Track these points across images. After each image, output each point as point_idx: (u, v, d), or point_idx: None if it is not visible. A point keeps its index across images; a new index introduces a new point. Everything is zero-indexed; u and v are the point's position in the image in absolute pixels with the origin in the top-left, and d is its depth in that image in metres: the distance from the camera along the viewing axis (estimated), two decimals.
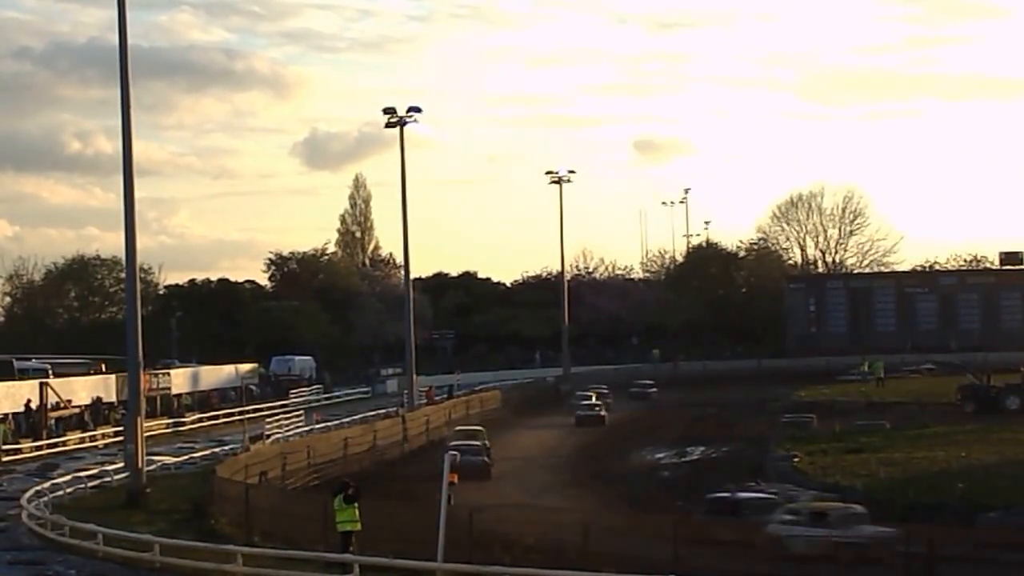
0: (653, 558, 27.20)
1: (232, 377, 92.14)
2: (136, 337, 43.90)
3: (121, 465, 46.58)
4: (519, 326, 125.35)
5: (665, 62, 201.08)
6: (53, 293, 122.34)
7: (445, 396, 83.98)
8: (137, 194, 44.14)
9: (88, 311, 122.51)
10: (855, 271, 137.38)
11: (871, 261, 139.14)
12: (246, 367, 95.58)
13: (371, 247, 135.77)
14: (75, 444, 63.19)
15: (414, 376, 77.75)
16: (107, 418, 69.06)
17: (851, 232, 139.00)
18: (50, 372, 72.02)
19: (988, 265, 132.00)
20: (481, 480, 47.06)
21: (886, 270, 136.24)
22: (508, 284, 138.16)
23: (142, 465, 43.57)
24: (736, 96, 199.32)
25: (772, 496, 37.18)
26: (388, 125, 75.35)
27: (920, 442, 56.19)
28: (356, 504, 29.82)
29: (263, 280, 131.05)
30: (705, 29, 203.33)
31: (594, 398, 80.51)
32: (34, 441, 61.90)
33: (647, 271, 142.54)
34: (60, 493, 43.10)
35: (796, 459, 51.60)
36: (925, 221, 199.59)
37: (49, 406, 65.29)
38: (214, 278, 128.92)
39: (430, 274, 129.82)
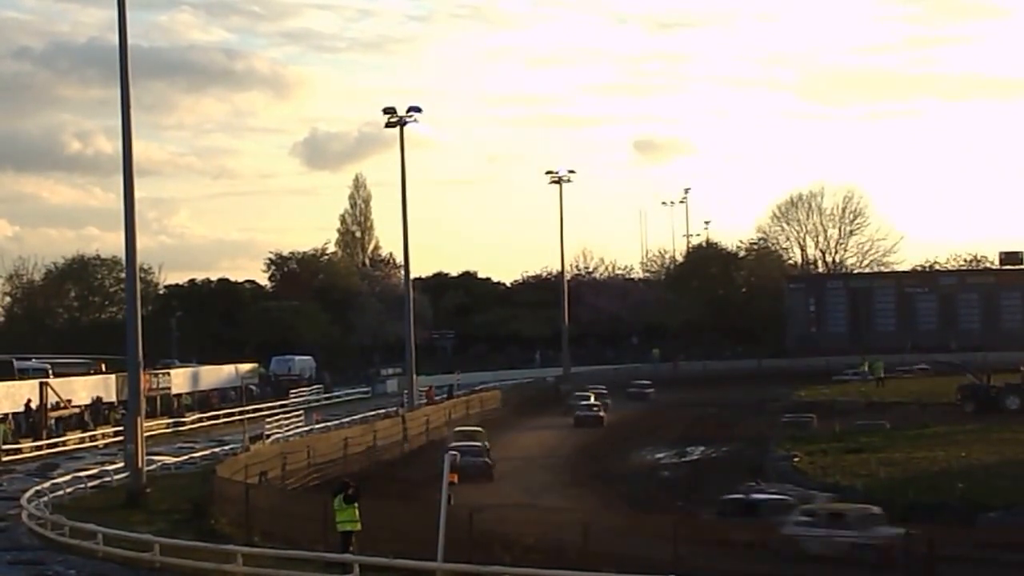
0: (653, 558, 27.20)
1: (232, 377, 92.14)
2: (136, 337, 43.90)
3: (121, 465, 46.58)
4: (519, 326, 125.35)
5: (665, 62, 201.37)
6: (53, 293, 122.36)
7: (445, 396, 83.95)
8: (137, 194, 44.20)
9: (88, 311, 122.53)
10: (855, 271, 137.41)
11: (871, 261, 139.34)
12: (246, 367, 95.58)
13: (371, 247, 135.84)
14: (75, 444, 63.18)
15: (414, 376, 77.75)
16: (107, 418, 69.05)
17: (851, 232, 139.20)
18: (50, 372, 72.01)
19: (988, 265, 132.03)
20: (483, 481, 47.01)
21: (886, 270, 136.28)
22: (508, 284, 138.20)
23: (142, 465, 43.58)
24: (736, 96, 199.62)
25: (787, 497, 36.99)
26: (388, 125, 75.37)
27: (920, 442, 56.19)
28: (356, 504, 29.82)
29: (263, 280, 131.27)
30: (705, 29, 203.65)
31: (592, 398, 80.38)
32: (34, 441, 61.89)
33: (647, 271, 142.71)
34: (60, 493, 43.10)
35: (796, 459, 51.59)
36: (925, 221, 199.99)
37: (49, 406, 65.29)
38: (214, 278, 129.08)
39: (430, 274, 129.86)
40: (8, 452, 58.13)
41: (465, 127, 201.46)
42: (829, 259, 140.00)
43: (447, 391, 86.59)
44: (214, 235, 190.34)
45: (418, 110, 74.90)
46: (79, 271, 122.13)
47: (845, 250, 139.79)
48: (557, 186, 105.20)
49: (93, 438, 65.40)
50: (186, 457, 55.90)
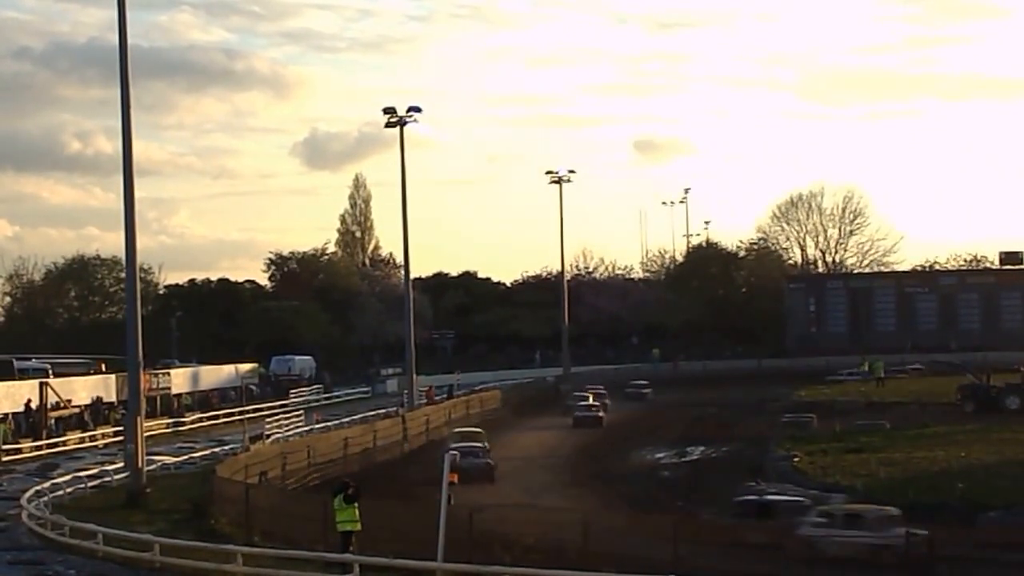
0: (653, 558, 27.20)
1: (232, 377, 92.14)
2: (136, 337, 43.89)
3: (121, 465, 46.57)
4: (519, 326, 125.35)
5: (665, 62, 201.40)
6: (53, 293, 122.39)
7: (445, 396, 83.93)
8: (137, 194, 44.18)
9: (88, 311, 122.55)
10: (855, 271, 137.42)
11: (871, 261, 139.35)
12: (246, 367, 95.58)
13: (371, 247, 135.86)
14: (75, 444, 63.16)
15: (414, 376, 77.75)
16: (107, 418, 69.04)
17: (851, 232, 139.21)
18: (50, 372, 72.02)
19: (988, 265, 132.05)
20: (485, 483, 46.92)
21: (886, 270, 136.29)
22: (508, 284, 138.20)
23: (142, 465, 43.57)
24: (736, 96, 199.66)
25: (802, 498, 36.80)
26: (388, 125, 75.38)
27: (920, 442, 56.20)
28: (356, 504, 29.82)
29: (263, 280, 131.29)
30: (705, 29, 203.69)
31: (591, 399, 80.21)
32: (34, 441, 61.88)
33: (647, 271, 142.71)
34: (60, 493, 43.09)
35: (796, 459, 51.60)
36: (925, 221, 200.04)
37: (49, 406, 65.28)
38: (214, 278, 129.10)
39: (430, 274, 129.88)
40: (8, 452, 58.11)
41: (465, 127, 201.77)
42: (829, 259, 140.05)
43: (447, 391, 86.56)
44: (214, 235, 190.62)
45: (418, 110, 74.93)
46: (79, 271, 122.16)
47: (845, 250, 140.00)
48: (557, 186, 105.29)
49: (93, 438, 65.38)
50: (186, 457, 55.88)
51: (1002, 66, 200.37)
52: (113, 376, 72.69)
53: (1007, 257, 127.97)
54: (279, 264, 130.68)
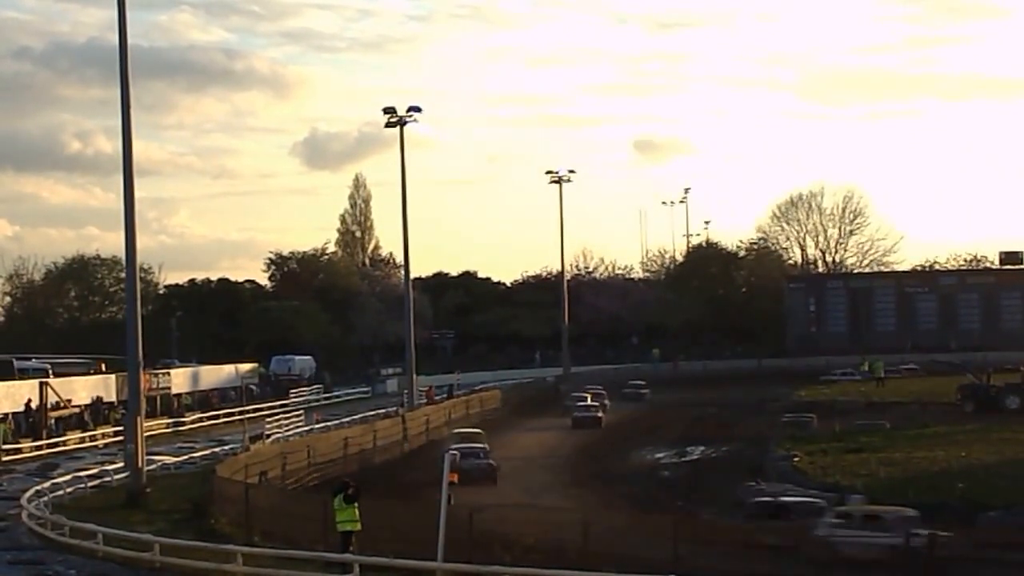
0: (653, 558, 27.19)
1: (232, 377, 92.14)
2: (136, 337, 43.90)
3: (121, 465, 46.58)
4: (519, 326, 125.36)
5: (665, 62, 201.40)
6: (53, 293, 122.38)
7: (445, 396, 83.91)
8: (137, 194, 44.19)
9: (88, 311, 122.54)
10: (855, 271, 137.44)
11: (871, 261, 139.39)
12: (246, 367, 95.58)
13: (371, 247, 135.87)
14: (75, 444, 63.18)
15: (414, 376, 77.76)
16: (107, 418, 69.05)
17: (851, 232, 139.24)
18: (50, 372, 72.02)
19: (988, 265, 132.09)
20: (487, 484, 46.65)
21: (886, 270, 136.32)
22: (508, 284, 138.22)
23: (142, 465, 43.58)
24: (736, 96, 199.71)
25: (817, 499, 36.62)
26: (388, 125, 75.41)
27: (920, 442, 56.19)
28: (356, 504, 29.81)
29: (263, 280, 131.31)
30: (705, 29, 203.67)
31: (589, 399, 79.93)
32: (34, 441, 61.89)
33: (647, 271, 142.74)
34: (60, 493, 43.09)
35: (796, 459, 51.56)
36: (925, 221, 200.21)
37: (49, 406, 65.29)
38: (214, 278, 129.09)
39: (430, 274, 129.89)
40: (8, 452, 58.13)
41: (465, 127, 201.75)
42: (829, 259, 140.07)
43: (447, 391, 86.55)
44: (214, 235, 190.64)
45: (418, 110, 74.97)
46: (79, 271, 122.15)
47: (845, 250, 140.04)
48: (557, 186, 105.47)
49: (93, 438, 65.41)
50: (186, 457, 55.89)
51: (1002, 66, 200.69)
52: (113, 376, 72.69)
53: (1007, 257, 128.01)
54: (279, 264, 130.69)
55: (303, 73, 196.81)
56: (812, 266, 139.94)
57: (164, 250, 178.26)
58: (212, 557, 30.41)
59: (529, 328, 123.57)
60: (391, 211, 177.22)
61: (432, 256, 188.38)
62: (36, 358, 78.71)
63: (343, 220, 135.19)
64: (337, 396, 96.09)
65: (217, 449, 57.16)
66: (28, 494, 41.04)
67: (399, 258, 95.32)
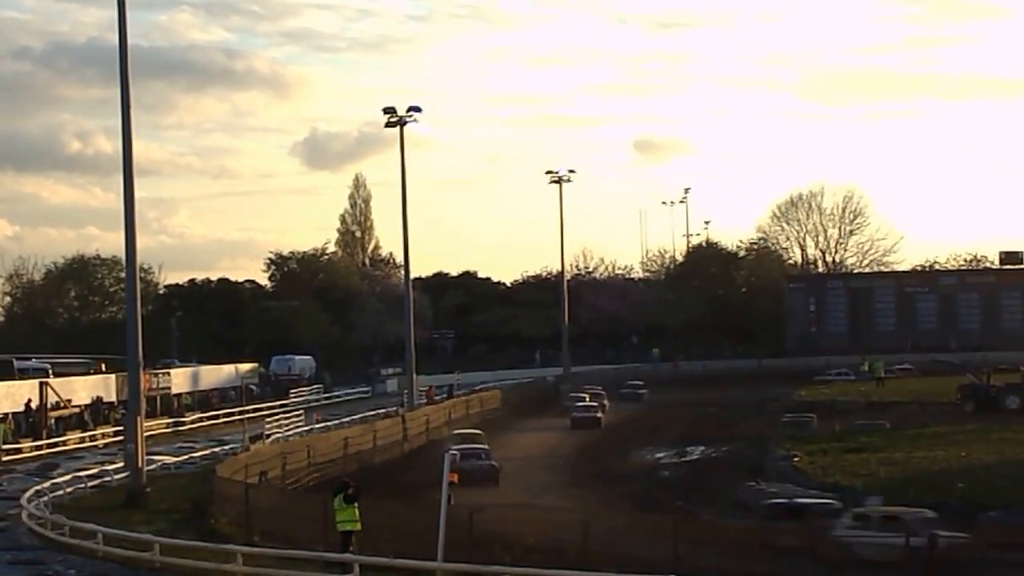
0: (653, 558, 27.19)
1: (232, 377, 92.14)
2: (136, 337, 43.90)
3: (121, 465, 46.58)
4: (519, 326, 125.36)
5: (665, 62, 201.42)
6: (53, 293, 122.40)
7: (445, 396, 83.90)
8: (137, 194, 44.19)
9: (88, 311, 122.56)
10: (855, 271, 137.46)
11: (871, 261, 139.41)
12: (246, 367, 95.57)
13: (371, 247, 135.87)
14: (75, 444, 63.19)
15: (414, 376, 77.75)
16: (107, 418, 69.05)
17: (851, 232, 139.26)
18: (50, 372, 72.01)
19: (988, 265, 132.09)
20: (490, 485, 46.29)
21: (886, 270, 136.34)
22: (508, 284, 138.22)
23: (142, 465, 43.58)
24: (736, 96, 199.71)
25: (833, 501, 36.44)
26: (388, 125, 75.39)
27: (920, 442, 56.20)
28: (356, 504, 29.81)
29: (263, 280, 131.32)
30: (705, 29, 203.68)
31: (588, 399, 79.63)
32: (34, 441, 61.89)
33: (647, 271, 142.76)
34: (60, 493, 43.09)
35: (796, 459, 51.55)
36: (925, 221, 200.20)
37: (49, 406, 65.28)
38: (214, 278, 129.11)
39: (430, 274, 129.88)
40: (8, 452, 58.13)
41: (465, 127, 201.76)
42: (829, 259, 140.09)
43: (447, 391, 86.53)
44: (214, 235, 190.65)
45: (418, 110, 74.94)
46: (79, 271, 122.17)
47: (845, 250, 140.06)
48: (557, 186, 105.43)
49: (93, 438, 65.41)
50: (186, 457, 55.88)
51: (1002, 66, 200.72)
52: (113, 376, 72.69)
53: (1007, 257, 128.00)
54: (279, 264, 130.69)
55: (303, 73, 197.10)
56: (812, 266, 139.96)
57: (164, 250, 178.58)
58: (212, 557, 30.41)
59: (529, 328, 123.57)
60: (391, 211, 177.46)
61: (432, 256, 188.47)
62: (36, 358, 78.70)
63: (343, 220, 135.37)
64: (337, 396, 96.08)
65: (217, 449, 57.16)
66: (28, 494, 41.04)
67: (399, 258, 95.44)
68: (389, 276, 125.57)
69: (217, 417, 78.39)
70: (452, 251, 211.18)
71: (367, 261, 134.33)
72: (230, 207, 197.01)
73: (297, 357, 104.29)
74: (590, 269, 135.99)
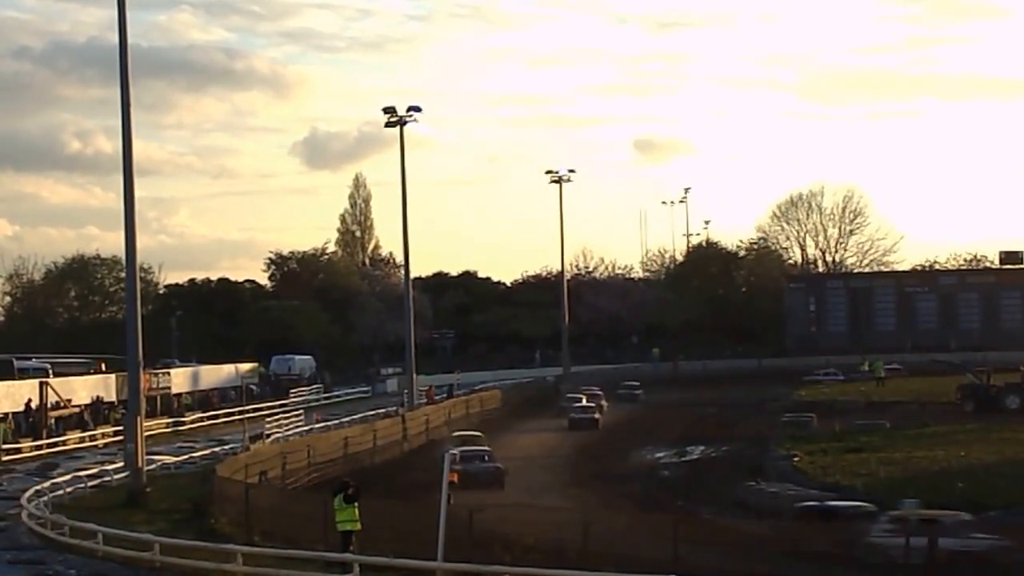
0: (653, 558, 27.18)
1: (232, 377, 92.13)
2: (136, 337, 43.91)
3: (121, 465, 46.60)
4: (519, 326, 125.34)
5: (665, 62, 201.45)
6: (53, 293, 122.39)
7: (445, 396, 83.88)
8: (137, 194, 44.21)
9: (88, 311, 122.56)
10: (855, 271, 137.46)
11: (871, 261, 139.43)
12: (246, 367, 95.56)
13: (371, 247, 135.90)
14: (75, 444, 63.20)
15: (414, 376, 77.74)
16: (107, 418, 69.06)
17: (851, 232, 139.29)
18: (50, 372, 72.02)
19: (988, 265, 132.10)
20: (495, 488, 45.67)
21: (886, 270, 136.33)
22: (508, 284, 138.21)
23: (142, 465, 43.59)
24: (736, 96, 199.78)
25: (866, 504, 36.18)
26: (388, 125, 75.39)
27: (920, 441, 56.23)
28: (356, 504, 29.81)
29: (263, 280, 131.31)
30: (705, 29, 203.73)
31: (585, 400, 79.20)
32: (34, 441, 61.90)
33: (647, 271, 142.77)
34: (60, 492, 43.11)
35: (796, 458, 51.57)
36: (925, 221, 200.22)
37: (49, 405, 65.29)
38: (214, 278, 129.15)
39: (430, 274, 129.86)
40: (8, 452, 58.14)
41: (465, 127, 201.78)
42: (829, 259, 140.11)
43: (447, 391, 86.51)
44: (214, 235, 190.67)
45: (418, 110, 74.94)
46: (79, 271, 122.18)
47: (845, 250, 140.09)
48: (557, 186, 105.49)
49: (93, 438, 65.43)
50: (186, 457, 55.89)
51: (1002, 66, 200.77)
52: (113, 376, 72.69)
53: (1007, 257, 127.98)
54: (279, 264, 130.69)
55: (303, 73, 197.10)
56: (812, 266, 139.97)
57: (164, 250, 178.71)
58: (212, 557, 30.41)
59: (529, 328, 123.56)
60: (391, 211, 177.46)
61: (432, 256, 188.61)
62: (36, 358, 78.70)
63: (343, 220, 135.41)
64: (337, 396, 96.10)
65: (217, 449, 57.17)
66: (28, 494, 41.06)
67: (399, 258, 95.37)
68: (389, 276, 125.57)
69: (217, 417, 78.39)
70: (452, 251, 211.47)
71: (367, 261, 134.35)
72: (230, 207, 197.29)
73: (297, 357, 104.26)
74: (590, 269, 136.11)
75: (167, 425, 73.72)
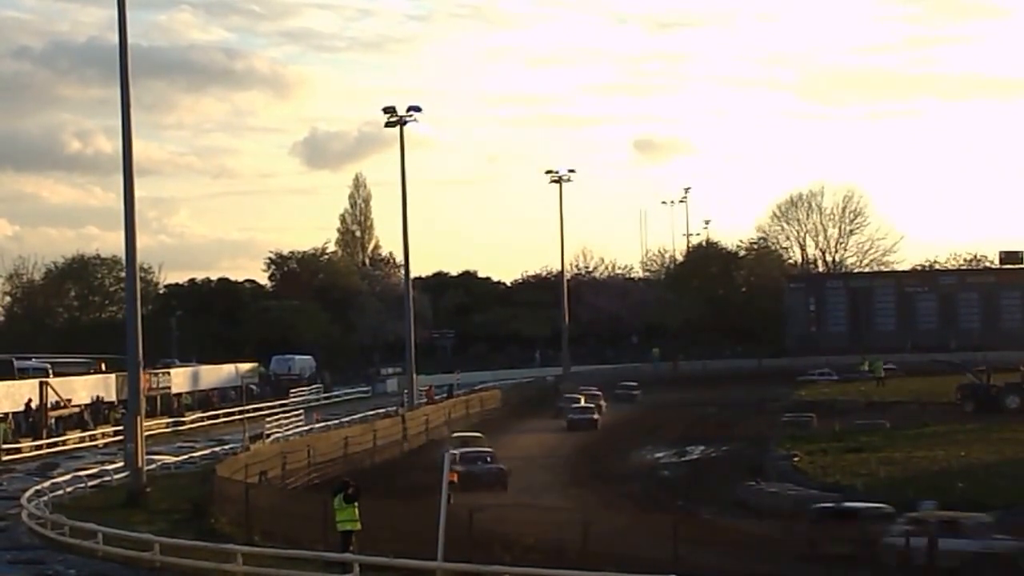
0: (653, 558, 27.18)
1: (232, 377, 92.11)
2: (136, 337, 43.92)
3: (121, 464, 46.60)
4: (519, 326, 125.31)
5: (665, 62, 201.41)
6: (53, 293, 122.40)
7: (445, 396, 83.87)
8: (137, 194, 44.23)
9: (88, 311, 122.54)
10: (855, 271, 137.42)
11: (871, 261, 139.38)
12: (246, 367, 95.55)
13: (371, 247, 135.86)
14: (75, 443, 63.20)
15: (414, 376, 77.73)
16: (107, 417, 69.05)
17: (851, 232, 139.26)
18: (50, 371, 72.01)
19: (988, 265, 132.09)
20: (499, 490, 45.55)
21: (886, 270, 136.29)
22: (508, 284, 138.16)
23: (142, 464, 43.59)
24: (736, 96, 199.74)
25: (884, 505, 36.07)
26: (388, 125, 75.39)
27: (920, 441, 56.27)
28: (356, 504, 29.81)
29: (263, 280, 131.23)
30: (705, 29, 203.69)
31: (583, 400, 78.96)
32: (34, 440, 61.90)
33: (647, 271, 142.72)
34: (60, 492, 43.11)
35: (796, 458, 51.61)
36: (925, 221, 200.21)
37: (49, 405, 65.29)
38: (214, 278, 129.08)
39: (430, 274, 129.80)
40: (8, 451, 58.14)
41: (465, 127, 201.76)
42: (829, 259, 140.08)
43: (447, 391, 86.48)
44: (214, 235, 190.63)
45: (418, 110, 74.94)
46: (79, 271, 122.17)
47: (845, 250, 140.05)
48: (557, 186, 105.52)
49: (93, 438, 65.42)
50: (186, 457, 55.91)
51: (1002, 66, 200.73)
52: (113, 376, 72.68)
53: (1007, 257, 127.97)
54: (279, 264, 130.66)
55: (303, 73, 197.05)
56: (812, 266, 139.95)
57: (164, 250, 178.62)
58: (212, 557, 30.42)
59: (529, 328, 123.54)
60: (391, 211, 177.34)
61: (432, 256, 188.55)
62: (36, 358, 78.70)
63: (343, 220, 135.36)
64: (337, 396, 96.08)
65: (217, 449, 57.19)
66: (28, 494, 41.07)
67: (399, 258, 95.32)
68: (389, 276, 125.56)
69: (217, 417, 78.38)
70: (452, 251, 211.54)
71: (367, 261, 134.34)
72: (230, 207, 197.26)
73: (297, 357, 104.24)
74: (590, 269, 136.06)
75: (167, 425, 73.72)
